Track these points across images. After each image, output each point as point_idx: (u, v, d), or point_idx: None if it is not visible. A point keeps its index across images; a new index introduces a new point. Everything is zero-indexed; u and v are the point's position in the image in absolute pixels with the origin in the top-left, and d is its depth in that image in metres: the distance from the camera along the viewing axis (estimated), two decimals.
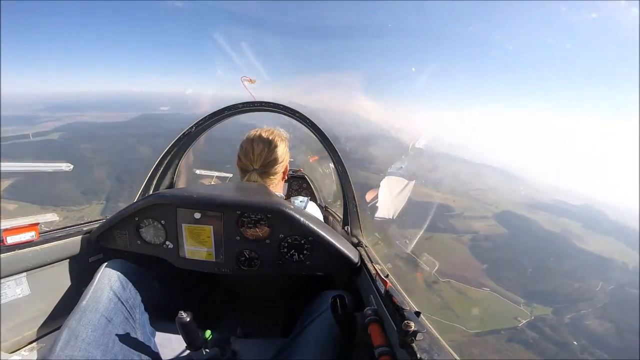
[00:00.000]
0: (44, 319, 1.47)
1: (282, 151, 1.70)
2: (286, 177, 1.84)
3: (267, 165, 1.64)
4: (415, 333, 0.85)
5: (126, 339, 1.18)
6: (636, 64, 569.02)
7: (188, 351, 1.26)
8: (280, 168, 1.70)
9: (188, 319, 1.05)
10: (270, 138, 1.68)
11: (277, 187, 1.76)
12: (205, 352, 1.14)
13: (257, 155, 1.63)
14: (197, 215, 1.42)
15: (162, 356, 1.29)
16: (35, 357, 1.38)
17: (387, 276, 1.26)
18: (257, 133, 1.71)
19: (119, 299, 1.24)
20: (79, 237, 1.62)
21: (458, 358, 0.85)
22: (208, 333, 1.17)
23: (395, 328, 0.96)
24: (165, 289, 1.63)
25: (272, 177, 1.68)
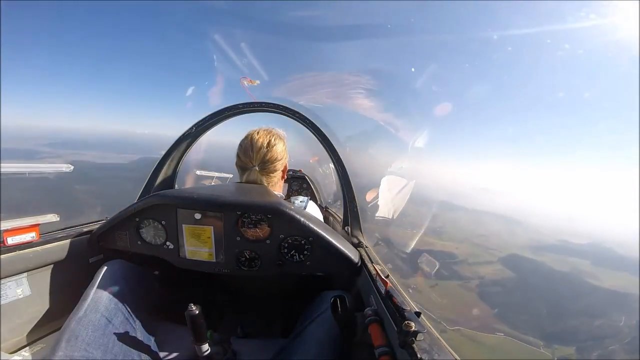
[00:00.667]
0: (44, 320, 1.47)
1: (281, 149, 1.71)
2: (286, 177, 1.85)
3: (267, 163, 1.66)
4: (415, 333, 0.85)
5: (126, 339, 1.18)
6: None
7: (188, 351, 1.26)
8: (279, 166, 1.71)
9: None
10: (269, 136, 1.70)
11: (277, 185, 1.77)
12: (208, 349, 1.15)
13: (256, 153, 1.64)
14: (198, 216, 1.42)
15: (162, 356, 1.29)
16: (36, 358, 1.38)
17: (387, 276, 1.26)
18: (256, 131, 1.73)
19: (119, 299, 1.24)
20: (80, 238, 1.62)
21: (459, 358, 0.85)
22: (209, 333, 1.17)
23: (396, 328, 0.96)
24: (166, 290, 1.63)
25: (271, 174, 1.69)
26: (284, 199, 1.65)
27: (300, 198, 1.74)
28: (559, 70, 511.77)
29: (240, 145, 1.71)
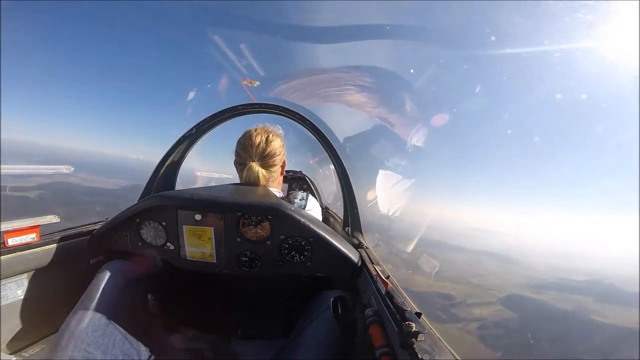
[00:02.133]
0: (44, 320, 1.47)
1: (279, 145, 1.75)
2: (284, 174, 1.87)
3: (266, 158, 1.68)
4: (416, 334, 0.85)
5: (126, 339, 1.18)
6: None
7: (188, 351, 1.27)
8: (278, 161, 1.74)
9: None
10: (267, 132, 1.74)
11: (277, 182, 1.80)
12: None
13: (255, 148, 1.67)
14: (198, 217, 1.42)
15: (163, 357, 1.29)
16: (36, 358, 1.37)
17: (387, 277, 1.26)
18: (254, 129, 1.76)
19: (119, 300, 1.24)
20: (80, 239, 1.62)
21: (459, 358, 0.85)
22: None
23: (396, 329, 0.96)
24: (166, 290, 1.63)
25: (271, 169, 1.71)
26: (284, 198, 1.65)
27: (300, 195, 1.74)
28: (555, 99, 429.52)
29: (239, 142, 1.73)
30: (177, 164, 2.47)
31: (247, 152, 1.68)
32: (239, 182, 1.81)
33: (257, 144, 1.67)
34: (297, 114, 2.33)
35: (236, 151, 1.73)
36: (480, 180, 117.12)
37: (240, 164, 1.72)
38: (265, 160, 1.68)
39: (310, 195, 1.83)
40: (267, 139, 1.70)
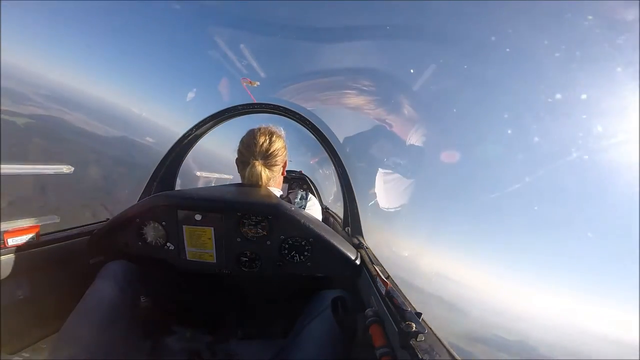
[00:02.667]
0: (45, 321, 1.47)
1: (282, 145, 1.78)
2: (285, 174, 1.89)
3: (269, 157, 1.70)
4: (416, 334, 0.85)
5: (127, 340, 1.18)
6: None
7: (189, 352, 1.26)
8: (280, 161, 1.76)
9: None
10: (270, 132, 1.78)
11: (277, 182, 1.81)
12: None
13: (259, 147, 1.69)
14: (198, 217, 1.42)
15: (163, 357, 1.29)
16: (37, 359, 1.37)
17: (387, 277, 1.26)
18: (257, 128, 1.79)
19: (120, 300, 1.24)
20: (80, 239, 1.62)
21: (459, 359, 0.85)
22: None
23: (396, 329, 0.96)
24: (166, 291, 1.63)
25: (273, 168, 1.74)
26: (284, 198, 1.66)
27: (300, 194, 1.75)
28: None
29: (242, 141, 1.76)
30: (177, 164, 2.47)
31: (250, 151, 1.70)
32: (239, 182, 1.82)
33: (260, 143, 1.69)
34: (297, 114, 2.33)
35: (239, 150, 1.75)
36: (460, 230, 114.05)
37: (243, 162, 1.73)
38: (268, 159, 1.70)
39: (310, 195, 1.84)
40: (270, 138, 1.72)
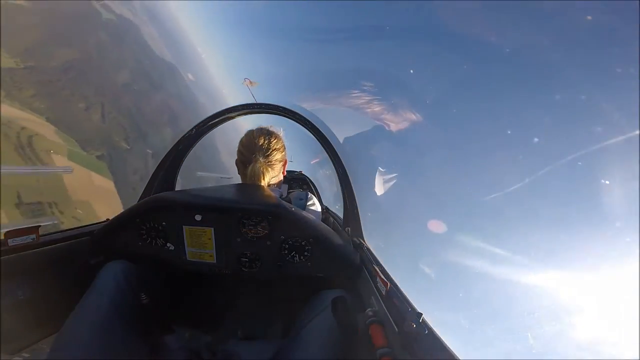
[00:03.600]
0: (45, 321, 1.47)
1: (281, 145, 1.81)
2: (285, 173, 1.90)
3: (269, 155, 1.72)
4: (416, 334, 0.85)
5: (127, 340, 1.18)
6: None
7: (189, 352, 1.26)
8: (280, 159, 1.79)
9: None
10: (269, 132, 1.80)
11: (278, 182, 1.83)
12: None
13: (259, 146, 1.71)
14: (198, 217, 1.42)
15: (163, 357, 1.29)
16: (36, 359, 1.37)
17: (388, 277, 1.26)
18: (257, 129, 1.82)
19: (120, 300, 1.24)
20: (80, 239, 1.62)
21: (460, 359, 0.85)
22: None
23: (397, 329, 0.96)
24: (167, 291, 1.63)
25: (273, 167, 1.75)
26: (284, 198, 1.66)
27: (300, 194, 1.75)
28: None
29: (242, 141, 1.78)
30: (177, 165, 2.47)
31: (250, 151, 1.71)
32: (239, 182, 1.82)
33: (260, 143, 1.71)
34: (298, 114, 2.33)
35: (239, 150, 1.77)
36: None
37: (243, 162, 1.74)
38: (268, 159, 1.71)
39: (310, 195, 1.84)
40: (270, 139, 1.74)
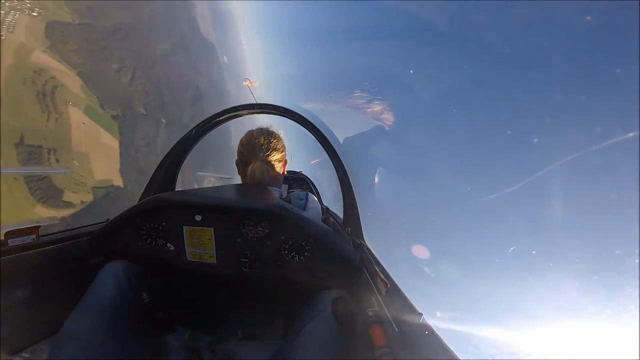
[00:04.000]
0: (45, 321, 1.47)
1: (281, 144, 1.82)
2: (285, 173, 1.92)
3: (269, 155, 1.73)
4: (416, 334, 0.85)
5: (128, 340, 1.18)
6: None
7: (189, 352, 1.26)
8: (280, 159, 1.80)
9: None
10: (269, 132, 1.81)
11: (278, 182, 1.84)
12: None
13: (259, 146, 1.72)
14: (198, 218, 1.42)
15: (164, 357, 1.29)
16: (36, 359, 1.37)
17: (388, 277, 1.26)
18: (257, 129, 1.83)
19: (120, 300, 1.24)
20: (80, 240, 1.62)
21: (460, 359, 0.85)
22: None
23: (397, 329, 0.96)
24: (167, 291, 1.63)
25: (273, 167, 1.77)
26: (284, 198, 1.66)
27: (300, 195, 1.75)
28: None
29: (242, 142, 1.79)
30: (177, 165, 2.47)
31: (250, 151, 1.73)
32: (239, 182, 1.82)
33: (260, 143, 1.72)
34: (298, 114, 2.33)
35: (239, 150, 1.78)
36: None
37: (243, 162, 1.75)
38: (269, 158, 1.72)
39: (310, 195, 1.84)
40: (269, 139, 1.75)
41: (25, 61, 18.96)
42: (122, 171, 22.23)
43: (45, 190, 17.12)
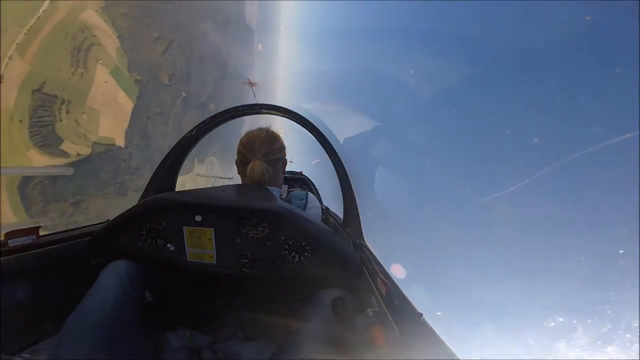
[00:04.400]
0: (45, 321, 1.47)
1: (281, 144, 1.83)
2: (285, 172, 1.92)
3: (269, 154, 1.73)
4: (416, 334, 0.86)
5: (128, 340, 1.18)
6: None
7: (190, 352, 1.27)
8: (280, 159, 1.81)
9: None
10: (269, 132, 1.82)
11: (278, 180, 1.85)
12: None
13: (259, 145, 1.72)
14: (198, 218, 1.42)
15: (165, 357, 1.30)
16: (37, 359, 1.38)
17: (388, 277, 1.26)
18: (257, 129, 1.83)
19: (121, 300, 1.24)
20: (81, 240, 1.62)
21: (460, 359, 0.85)
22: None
23: (397, 329, 0.96)
24: (167, 291, 1.63)
25: (273, 166, 1.77)
26: (284, 198, 1.66)
27: (300, 195, 1.75)
28: None
29: (241, 141, 1.79)
30: (177, 165, 2.47)
31: (250, 151, 1.73)
32: (239, 182, 1.82)
33: (260, 143, 1.72)
34: (298, 115, 2.33)
35: (239, 150, 1.78)
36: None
37: (243, 162, 1.75)
38: (269, 157, 1.73)
39: (310, 195, 1.84)
40: (269, 139, 1.76)
41: (75, 18, 19.05)
42: (128, 133, 22.07)
43: (45, 136, 16.92)
